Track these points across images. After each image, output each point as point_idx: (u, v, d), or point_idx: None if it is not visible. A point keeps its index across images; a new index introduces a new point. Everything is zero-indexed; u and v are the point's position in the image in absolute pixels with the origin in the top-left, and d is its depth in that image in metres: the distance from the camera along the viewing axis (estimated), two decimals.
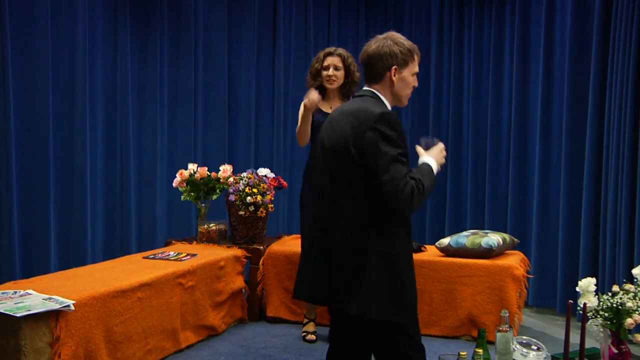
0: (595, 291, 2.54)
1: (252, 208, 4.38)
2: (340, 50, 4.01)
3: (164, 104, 5.22)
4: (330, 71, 3.94)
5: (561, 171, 4.92)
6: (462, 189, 5.88)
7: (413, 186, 2.26)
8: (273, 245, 4.53)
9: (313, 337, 4.03)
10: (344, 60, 3.98)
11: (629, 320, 2.39)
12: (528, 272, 4.23)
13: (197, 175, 4.58)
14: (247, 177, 4.44)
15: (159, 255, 4.09)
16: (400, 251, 2.34)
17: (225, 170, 4.62)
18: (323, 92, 3.99)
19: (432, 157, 2.46)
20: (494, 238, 4.14)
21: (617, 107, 4.41)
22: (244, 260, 4.39)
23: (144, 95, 5.10)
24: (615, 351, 2.48)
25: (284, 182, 4.67)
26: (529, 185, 5.25)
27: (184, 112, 5.33)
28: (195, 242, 4.60)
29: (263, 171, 4.57)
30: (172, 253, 4.15)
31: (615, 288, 2.53)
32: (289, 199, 5.80)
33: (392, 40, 2.50)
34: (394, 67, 2.45)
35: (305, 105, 3.84)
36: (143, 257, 4.04)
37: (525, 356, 2.38)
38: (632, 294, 2.45)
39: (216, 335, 4.07)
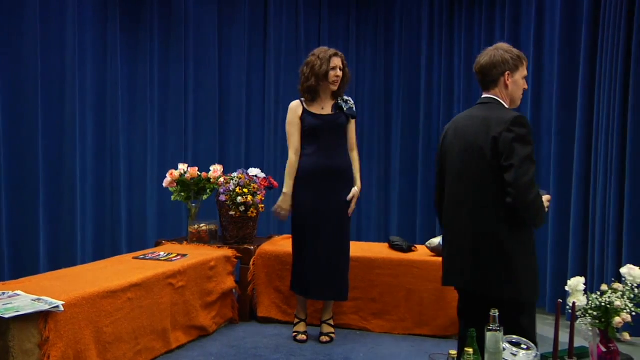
0: (584, 290, 2.54)
1: (242, 208, 4.37)
2: (340, 52, 4.00)
3: (155, 103, 5.20)
4: (337, 72, 3.93)
5: (551, 172, 4.94)
6: None
7: (538, 192, 2.59)
8: (264, 245, 4.53)
9: (304, 337, 4.03)
10: (343, 62, 3.99)
11: (617, 319, 2.40)
12: None
13: (187, 175, 4.57)
14: (237, 177, 4.44)
15: (149, 255, 4.08)
16: (531, 240, 2.70)
17: (216, 170, 4.61)
18: (314, 93, 3.98)
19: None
20: None
21: (606, 108, 4.44)
22: (235, 260, 4.38)
23: (134, 95, 5.09)
24: (604, 350, 2.49)
25: (275, 182, 4.67)
26: None
27: (175, 111, 5.32)
28: (185, 242, 4.59)
29: (254, 171, 4.57)
30: (162, 253, 4.13)
31: (604, 287, 2.53)
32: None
33: (502, 49, 2.82)
34: (507, 72, 2.77)
35: (277, 210, 4.03)
36: (133, 258, 4.03)
37: (515, 355, 2.38)
38: (621, 293, 2.46)
39: (207, 335, 4.07)
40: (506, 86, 2.78)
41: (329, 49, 3.99)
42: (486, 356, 2.39)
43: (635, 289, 2.48)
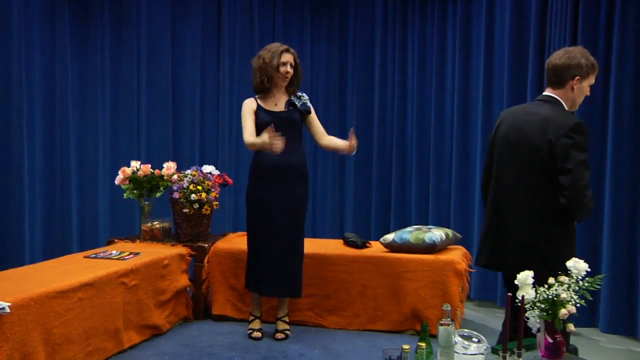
0: (532, 284, 2.60)
1: (196, 205, 4.34)
2: (292, 49, 4.00)
3: (106, 99, 5.11)
4: (288, 67, 3.93)
5: None
6: (406, 185, 5.97)
7: (591, 196, 2.85)
8: (218, 242, 4.50)
9: (259, 334, 4.02)
10: (295, 59, 3.99)
11: (563, 311, 2.46)
12: (470, 267, 4.32)
13: (140, 172, 4.50)
14: (191, 175, 4.40)
15: (101, 254, 4.01)
16: (574, 234, 3.00)
17: (169, 167, 4.56)
18: (266, 89, 3.97)
19: None
20: (437, 233, 4.21)
21: None
22: (189, 258, 4.34)
23: (84, 91, 4.99)
24: (550, 341, 2.56)
25: (229, 179, 4.65)
26: (471, 181, 5.36)
27: (127, 108, 5.22)
28: (138, 240, 4.52)
29: (208, 168, 4.53)
30: (114, 252, 4.07)
31: (551, 280, 2.60)
32: (234, 196, 5.76)
33: (580, 53, 2.94)
34: (577, 77, 2.92)
35: (271, 145, 3.64)
36: (84, 257, 3.95)
37: (466, 348, 2.43)
38: (567, 285, 2.53)
39: (160, 334, 4.02)
40: (572, 89, 2.94)
41: (281, 44, 3.99)
42: (438, 350, 2.43)
43: (580, 281, 2.56)
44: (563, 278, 2.59)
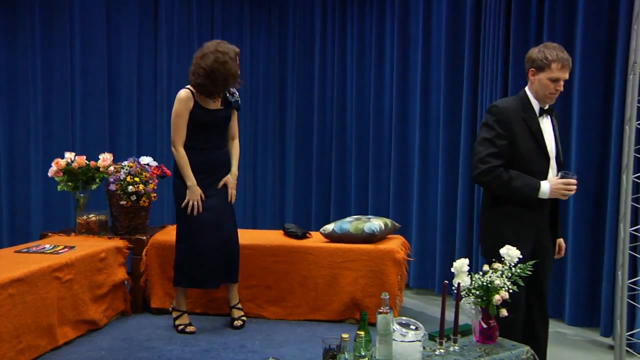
0: (468, 271, 2.67)
1: (134, 197, 4.25)
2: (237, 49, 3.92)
3: (37, 89, 4.94)
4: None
5: (439, 158, 5.15)
6: (346, 176, 6.01)
7: (490, 169, 2.93)
8: (157, 235, 4.43)
9: (193, 328, 3.97)
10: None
11: (497, 297, 2.55)
12: (409, 256, 4.39)
13: (74, 164, 4.38)
14: (128, 166, 4.31)
15: (33, 248, 3.88)
16: (510, 214, 3.02)
17: (105, 159, 4.45)
18: (211, 92, 3.83)
19: (549, 182, 2.97)
20: (376, 223, 4.27)
21: (489, 94, 4.69)
22: (126, 251, 4.26)
23: (14, 81, 4.81)
24: (485, 326, 2.65)
25: (167, 171, 4.57)
26: (409, 171, 5.45)
27: (60, 98, 5.07)
28: (73, 234, 4.41)
29: (145, 159, 4.45)
30: (48, 246, 3.95)
31: (486, 267, 2.68)
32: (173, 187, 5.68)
33: (539, 47, 3.01)
34: (531, 69, 3.00)
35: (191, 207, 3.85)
36: (15, 251, 3.82)
37: (404, 335, 2.47)
38: (500, 272, 2.61)
39: (97, 329, 3.93)
40: (532, 82, 3.02)
41: (228, 45, 3.84)
42: (377, 338, 2.47)
43: (512, 268, 2.64)
44: (497, 265, 2.67)
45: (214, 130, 3.91)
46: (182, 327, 3.96)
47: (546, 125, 3.05)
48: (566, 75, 2.98)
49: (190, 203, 3.85)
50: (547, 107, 3.05)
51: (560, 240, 3.26)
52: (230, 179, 4.00)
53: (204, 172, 3.91)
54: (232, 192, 4.01)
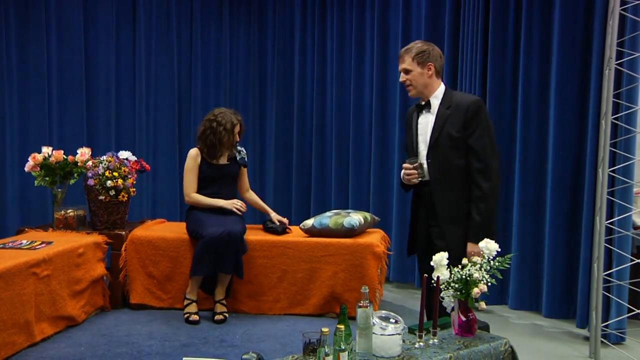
0: (447, 265, 2.70)
1: (112, 192, 4.22)
2: (239, 116, 4.40)
3: (13, 82, 4.87)
4: (237, 137, 4.37)
5: None
6: (326, 170, 6.02)
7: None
8: (136, 230, 4.40)
9: (196, 317, 4.04)
10: (241, 123, 4.40)
11: (476, 290, 2.57)
12: (388, 249, 4.42)
13: (52, 158, 4.33)
14: (107, 161, 4.27)
15: (10, 244, 3.84)
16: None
17: (83, 153, 4.41)
18: (213, 148, 4.27)
19: None
20: (355, 218, 4.28)
21: (467, 88, 4.73)
22: (105, 246, 4.23)
23: None
24: (464, 319, 2.68)
25: (147, 165, 4.55)
26: (389, 166, 5.47)
27: (36, 92, 4.99)
28: (51, 229, 4.36)
29: (124, 154, 4.42)
30: (24, 241, 3.91)
31: (465, 261, 2.71)
32: (152, 182, 5.65)
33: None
34: None
35: (234, 209, 4.28)
36: None
37: (384, 329, 2.48)
38: (479, 265, 2.64)
39: (75, 325, 3.90)
40: None
41: (231, 116, 4.32)
42: (357, 332, 2.48)
43: (491, 261, 2.67)
44: (476, 258, 2.69)
45: (219, 182, 4.35)
46: (187, 315, 4.05)
47: (423, 119, 3.20)
48: (401, 66, 3.18)
49: (234, 206, 4.26)
50: (422, 102, 3.22)
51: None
52: (229, 202, 4.32)
53: (212, 212, 4.27)
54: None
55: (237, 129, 4.35)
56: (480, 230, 2.99)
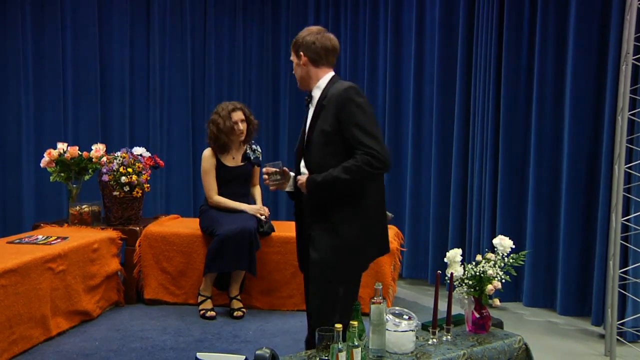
0: (461, 261, 2.68)
1: (127, 188, 4.24)
2: (239, 104, 4.32)
3: (29, 80, 4.91)
4: (240, 125, 4.24)
5: (432, 150, 5.15)
6: None
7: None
8: (150, 226, 4.42)
9: (213, 313, 4.07)
10: (245, 113, 4.29)
11: (489, 287, 2.56)
12: (402, 246, 4.40)
13: (67, 154, 4.36)
14: (121, 157, 4.30)
15: (26, 239, 3.87)
16: None
17: (98, 149, 4.43)
18: (224, 146, 4.25)
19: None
20: None
21: (482, 85, 4.69)
22: (120, 242, 4.26)
23: (4, 71, 4.79)
24: (478, 316, 2.66)
25: (161, 161, 4.56)
26: (402, 163, 5.44)
27: (52, 88, 5.04)
28: (66, 224, 4.40)
29: (138, 150, 4.44)
30: (40, 237, 3.94)
31: (479, 257, 2.69)
32: (166, 178, 5.67)
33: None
34: None
35: (255, 213, 4.25)
36: (7, 242, 3.81)
37: (398, 325, 2.48)
38: (493, 262, 2.62)
39: (90, 320, 3.93)
40: None
41: (228, 104, 4.28)
42: (370, 328, 2.48)
43: (505, 258, 2.66)
44: (490, 255, 2.68)
45: (234, 183, 4.33)
46: (202, 311, 4.07)
47: (308, 114, 2.88)
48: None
49: (258, 212, 4.25)
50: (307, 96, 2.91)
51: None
52: (254, 208, 4.31)
53: (227, 210, 4.26)
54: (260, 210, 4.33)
55: (236, 115, 4.23)
56: (323, 182, 2.65)
